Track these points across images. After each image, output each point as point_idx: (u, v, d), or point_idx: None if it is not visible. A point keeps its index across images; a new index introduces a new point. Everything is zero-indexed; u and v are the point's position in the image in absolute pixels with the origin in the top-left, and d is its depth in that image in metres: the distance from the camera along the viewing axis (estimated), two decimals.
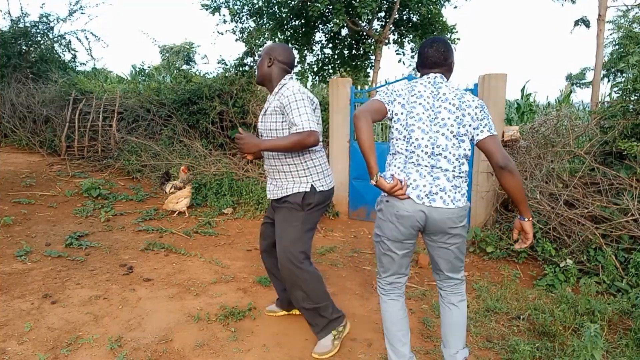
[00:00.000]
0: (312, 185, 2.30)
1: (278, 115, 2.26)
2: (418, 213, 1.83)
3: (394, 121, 1.92)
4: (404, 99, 1.91)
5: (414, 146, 1.86)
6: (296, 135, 2.11)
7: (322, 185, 2.33)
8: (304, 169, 2.31)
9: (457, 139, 1.87)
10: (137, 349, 2.40)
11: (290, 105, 2.17)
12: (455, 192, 1.86)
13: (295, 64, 2.48)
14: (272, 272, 2.71)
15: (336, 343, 2.39)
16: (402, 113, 1.90)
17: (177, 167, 5.93)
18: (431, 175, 1.85)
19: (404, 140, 1.89)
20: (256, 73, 2.47)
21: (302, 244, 2.33)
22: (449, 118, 1.88)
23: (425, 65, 2.01)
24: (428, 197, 1.83)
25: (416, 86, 1.95)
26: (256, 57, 7.82)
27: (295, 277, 2.31)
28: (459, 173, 1.89)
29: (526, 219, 1.89)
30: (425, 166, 1.86)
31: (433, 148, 1.86)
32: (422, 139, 1.86)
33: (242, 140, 2.15)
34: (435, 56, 1.97)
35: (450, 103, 1.90)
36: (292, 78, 2.36)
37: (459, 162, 1.89)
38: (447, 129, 1.87)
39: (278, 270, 2.55)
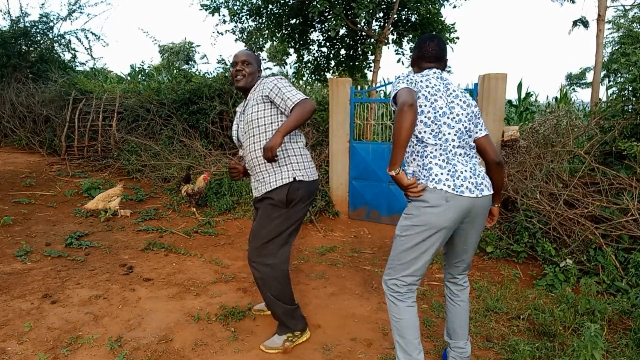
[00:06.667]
0: (294, 176, 2.26)
1: (266, 104, 2.29)
2: (473, 199, 1.87)
3: (418, 113, 1.91)
4: (426, 91, 1.94)
5: (443, 140, 1.90)
6: (298, 107, 2.15)
7: (303, 176, 2.27)
8: (283, 157, 2.28)
9: (468, 135, 1.97)
10: (137, 348, 2.40)
11: (277, 86, 2.25)
12: (488, 180, 1.97)
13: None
14: None
15: (287, 344, 2.41)
16: (425, 105, 1.92)
17: (193, 171, 5.65)
18: (471, 162, 1.92)
19: (431, 133, 1.90)
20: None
21: (278, 243, 2.29)
22: (461, 114, 1.96)
23: (426, 58, 2.05)
24: (478, 189, 1.88)
25: (430, 80, 1.98)
26: None
27: (267, 276, 2.31)
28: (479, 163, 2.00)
29: (496, 205, 2.16)
30: (461, 155, 1.92)
31: (459, 142, 1.92)
32: (449, 133, 1.91)
33: (267, 153, 2.07)
34: (437, 50, 2.04)
35: (460, 100, 1.98)
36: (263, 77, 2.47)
37: (475, 154, 2.00)
38: (462, 124, 1.94)
39: None
